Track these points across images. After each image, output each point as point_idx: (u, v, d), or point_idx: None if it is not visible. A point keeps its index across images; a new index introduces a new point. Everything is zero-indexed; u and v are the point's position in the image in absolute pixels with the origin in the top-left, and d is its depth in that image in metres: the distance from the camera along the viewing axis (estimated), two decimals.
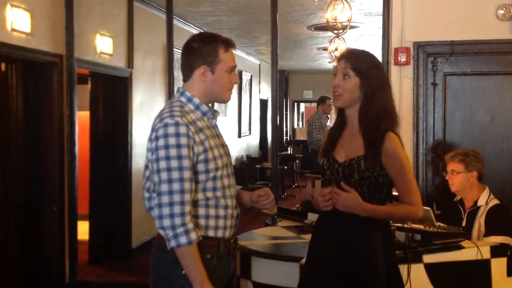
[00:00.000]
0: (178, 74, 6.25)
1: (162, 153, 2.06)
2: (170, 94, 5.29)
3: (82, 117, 5.56)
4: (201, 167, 2.13)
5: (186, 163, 2.06)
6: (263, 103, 13.42)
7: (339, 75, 2.30)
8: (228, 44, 2.25)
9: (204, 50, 2.20)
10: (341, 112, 2.37)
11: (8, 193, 4.67)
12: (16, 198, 4.72)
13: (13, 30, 4.21)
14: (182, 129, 2.07)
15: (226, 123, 9.86)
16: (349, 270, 2.24)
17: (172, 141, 2.06)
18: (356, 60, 2.29)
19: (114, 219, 6.03)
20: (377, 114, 2.24)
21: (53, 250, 4.85)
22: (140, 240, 6.26)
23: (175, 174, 2.05)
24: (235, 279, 2.47)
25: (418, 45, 4.31)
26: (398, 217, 2.41)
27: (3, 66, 4.66)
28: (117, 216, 6.05)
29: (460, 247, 2.90)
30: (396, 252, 2.74)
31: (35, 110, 4.80)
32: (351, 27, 6.54)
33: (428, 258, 2.81)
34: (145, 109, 6.43)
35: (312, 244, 2.40)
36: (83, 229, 5.70)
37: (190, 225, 2.06)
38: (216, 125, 2.30)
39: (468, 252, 2.90)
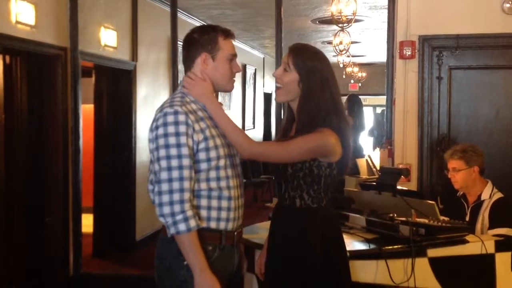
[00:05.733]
0: (182, 67, 6.24)
1: (161, 141, 2.08)
2: (174, 87, 5.28)
3: (86, 110, 5.56)
4: (202, 155, 2.13)
5: (185, 151, 2.08)
6: (267, 96, 13.40)
7: (281, 67, 2.33)
8: (227, 33, 2.28)
9: (204, 39, 2.24)
10: (290, 105, 2.39)
11: (12, 186, 4.68)
12: (20, 191, 4.73)
13: (17, 22, 4.20)
14: (181, 118, 2.09)
15: (229, 117, 9.83)
16: (285, 255, 2.29)
17: (171, 129, 2.08)
18: (299, 56, 2.29)
19: (118, 212, 6.05)
20: (310, 113, 2.25)
21: (57, 243, 4.86)
22: (144, 233, 6.28)
23: (174, 162, 2.06)
24: (242, 271, 2.46)
25: (424, 39, 4.28)
26: (228, 130, 2.24)
27: (7, 58, 4.66)
28: (121, 209, 6.07)
29: (465, 241, 2.89)
30: (401, 246, 2.75)
31: (39, 103, 4.80)
32: (356, 21, 6.51)
33: (433, 252, 2.81)
34: (149, 102, 6.43)
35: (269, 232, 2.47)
36: (87, 222, 5.71)
37: (189, 212, 2.07)
38: None
39: (472, 247, 2.89)
